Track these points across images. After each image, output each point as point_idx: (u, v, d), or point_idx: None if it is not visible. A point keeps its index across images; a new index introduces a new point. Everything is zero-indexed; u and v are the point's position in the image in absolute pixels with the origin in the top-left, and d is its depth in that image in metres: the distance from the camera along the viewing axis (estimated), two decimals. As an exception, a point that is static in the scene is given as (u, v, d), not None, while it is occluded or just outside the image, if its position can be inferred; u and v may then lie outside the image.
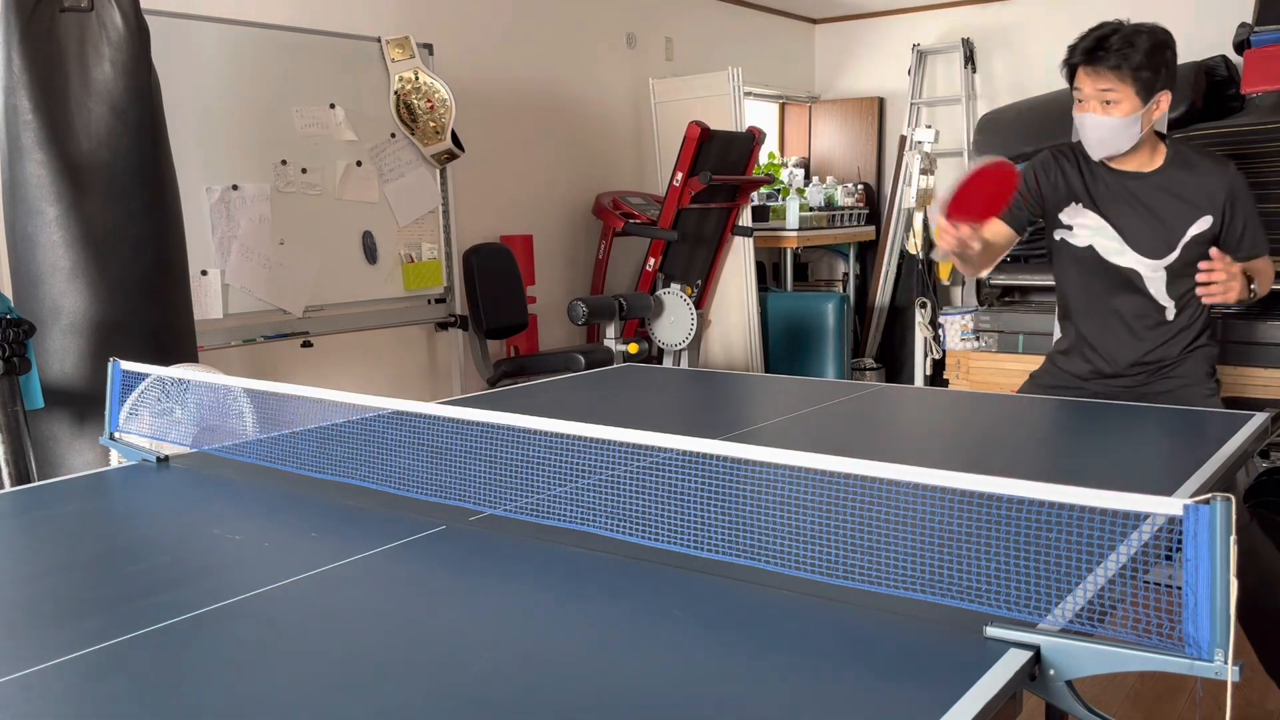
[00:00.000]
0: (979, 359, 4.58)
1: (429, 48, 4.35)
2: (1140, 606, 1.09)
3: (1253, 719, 2.74)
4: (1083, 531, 1.23)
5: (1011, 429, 2.30)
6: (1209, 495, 0.99)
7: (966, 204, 2.11)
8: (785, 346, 5.91)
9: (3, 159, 2.70)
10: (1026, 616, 1.12)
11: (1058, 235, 2.52)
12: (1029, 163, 2.57)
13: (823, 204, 6.50)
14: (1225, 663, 0.99)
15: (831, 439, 2.17)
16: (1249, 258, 2.36)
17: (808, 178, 6.95)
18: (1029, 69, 6.32)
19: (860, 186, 6.78)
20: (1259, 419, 2.17)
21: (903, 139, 6.66)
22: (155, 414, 2.07)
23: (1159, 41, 2.27)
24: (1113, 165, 2.41)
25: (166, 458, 2.00)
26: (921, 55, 6.68)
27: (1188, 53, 5.22)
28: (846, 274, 6.83)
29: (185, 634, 1.18)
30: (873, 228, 6.75)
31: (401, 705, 1.00)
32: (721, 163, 5.17)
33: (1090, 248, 2.47)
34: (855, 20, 7.02)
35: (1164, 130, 2.87)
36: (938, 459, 1.93)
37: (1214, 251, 2.24)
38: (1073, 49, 2.33)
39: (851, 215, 6.58)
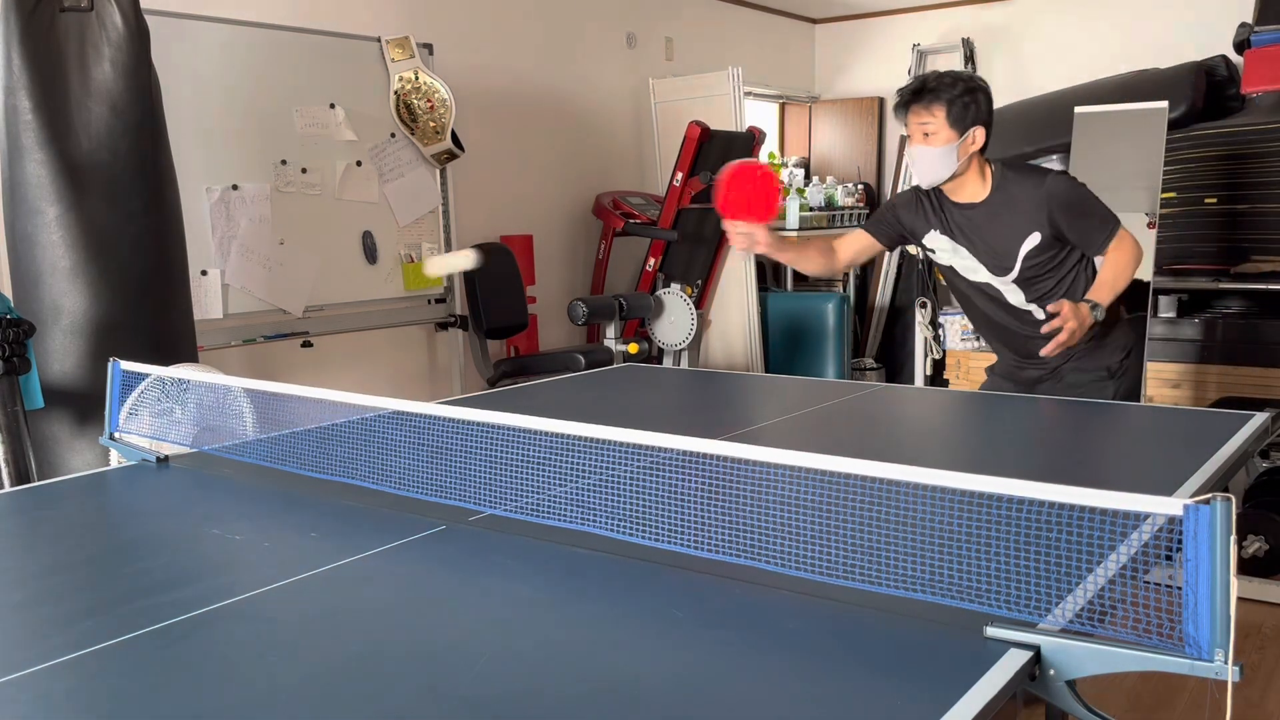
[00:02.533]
0: (979, 359, 4.58)
1: (429, 48, 4.35)
2: (1140, 606, 1.08)
3: (1253, 719, 2.74)
4: (1083, 531, 1.23)
5: (1011, 429, 2.30)
6: (1209, 495, 0.99)
7: (734, 205, 2.53)
8: (785, 346, 5.91)
9: (3, 159, 2.70)
10: (1026, 616, 1.12)
11: (930, 255, 2.78)
12: (893, 197, 2.89)
13: (823, 204, 6.50)
14: (1225, 663, 0.99)
15: (831, 439, 2.17)
16: (1101, 248, 2.53)
17: (808, 178, 6.94)
18: (1029, 69, 6.32)
19: (860, 186, 6.78)
20: (1259, 419, 2.17)
21: (903, 139, 6.65)
22: (155, 414, 2.07)
23: (972, 86, 2.53)
24: (952, 199, 2.63)
25: (166, 458, 2.00)
26: (921, 55, 6.68)
27: (1188, 53, 5.24)
28: (847, 274, 6.83)
29: (185, 634, 1.18)
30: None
31: (401, 705, 1.00)
32: (721, 163, 5.15)
33: (951, 267, 2.72)
34: (855, 20, 7.02)
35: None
36: (938, 459, 1.93)
37: (1053, 307, 2.44)
38: (900, 93, 2.59)
39: (851, 215, 6.58)
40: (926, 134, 2.52)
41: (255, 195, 3.78)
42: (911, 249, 5.22)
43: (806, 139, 7.19)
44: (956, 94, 2.49)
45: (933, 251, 2.73)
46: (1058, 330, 2.41)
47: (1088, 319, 2.44)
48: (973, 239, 2.62)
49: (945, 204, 2.65)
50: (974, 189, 2.59)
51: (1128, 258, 2.51)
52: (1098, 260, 2.59)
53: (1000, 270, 2.61)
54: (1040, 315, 2.61)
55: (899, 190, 6.51)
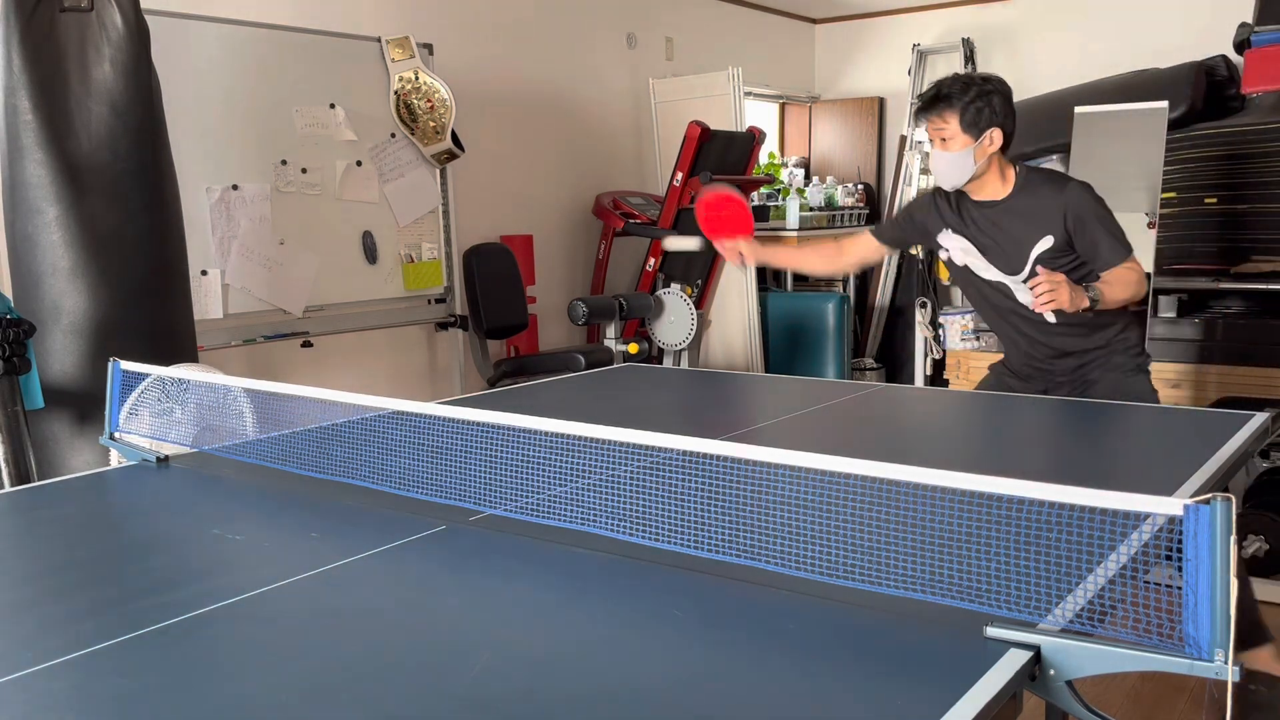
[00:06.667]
0: (979, 359, 4.58)
1: (429, 48, 4.35)
2: (1140, 606, 1.08)
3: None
4: (1083, 531, 1.23)
5: (1011, 429, 2.30)
6: (1209, 495, 0.99)
7: (715, 228, 2.88)
8: (785, 346, 5.91)
9: (3, 159, 2.70)
10: (1026, 616, 1.12)
11: (942, 255, 2.82)
12: (910, 202, 2.99)
13: (823, 204, 6.50)
14: (1225, 663, 0.99)
15: (831, 439, 2.16)
16: (1108, 266, 2.52)
17: (808, 178, 6.94)
18: (1029, 69, 6.31)
19: (860, 186, 6.78)
20: (1259, 419, 2.17)
21: (903, 139, 6.65)
22: (155, 414, 2.07)
23: (986, 89, 2.55)
24: (972, 197, 2.68)
25: (166, 458, 2.00)
26: (921, 55, 6.68)
27: (1188, 53, 5.23)
28: (847, 274, 6.82)
29: (185, 634, 1.18)
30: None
31: (401, 705, 1.00)
32: (721, 163, 5.17)
33: (966, 266, 2.75)
34: (855, 20, 7.02)
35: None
36: (938, 459, 1.93)
37: (1040, 269, 2.49)
38: (918, 99, 2.67)
39: (851, 215, 6.58)
40: (943, 139, 2.57)
41: (255, 195, 3.78)
42: (913, 250, 5.28)
43: (806, 139, 7.19)
44: (969, 99, 2.53)
45: (946, 251, 2.78)
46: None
47: (1078, 293, 2.42)
48: (989, 236, 2.65)
49: (964, 203, 2.69)
50: (994, 188, 2.63)
51: (1132, 278, 2.53)
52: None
53: (1011, 270, 2.65)
54: (1051, 318, 2.65)
55: (898, 190, 6.52)
